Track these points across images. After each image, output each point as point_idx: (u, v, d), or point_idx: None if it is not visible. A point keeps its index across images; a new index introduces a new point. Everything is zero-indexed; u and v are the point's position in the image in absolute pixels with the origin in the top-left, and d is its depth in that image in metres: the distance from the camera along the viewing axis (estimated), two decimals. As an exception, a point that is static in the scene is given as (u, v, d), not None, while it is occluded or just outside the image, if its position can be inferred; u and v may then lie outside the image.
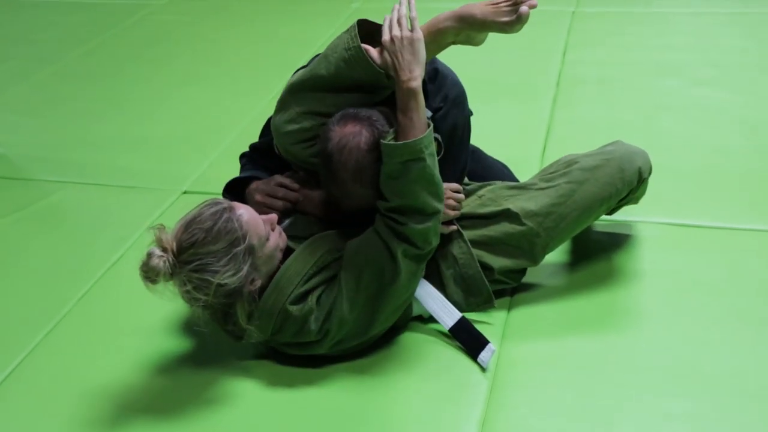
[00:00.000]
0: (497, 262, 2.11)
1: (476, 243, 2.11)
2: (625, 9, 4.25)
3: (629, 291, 2.21)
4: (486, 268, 2.10)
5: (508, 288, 2.19)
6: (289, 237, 2.01)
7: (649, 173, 2.21)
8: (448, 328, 2.03)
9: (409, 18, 1.89)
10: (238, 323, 1.86)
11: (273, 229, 1.92)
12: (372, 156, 1.86)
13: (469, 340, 2.01)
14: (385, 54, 1.87)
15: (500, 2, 1.93)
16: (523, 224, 2.09)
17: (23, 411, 1.96)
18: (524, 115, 3.20)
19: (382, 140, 1.85)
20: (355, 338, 1.96)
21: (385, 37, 1.88)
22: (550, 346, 2.04)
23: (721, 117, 3.09)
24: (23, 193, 2.92)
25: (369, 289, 1.91)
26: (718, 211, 2.52)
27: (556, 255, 2.28)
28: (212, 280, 1.77)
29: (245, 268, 1.81)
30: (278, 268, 1.93)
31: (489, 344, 1.99)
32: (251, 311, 1.87)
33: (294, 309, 1.88)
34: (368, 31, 1.94)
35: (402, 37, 1.86)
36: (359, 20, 1.92)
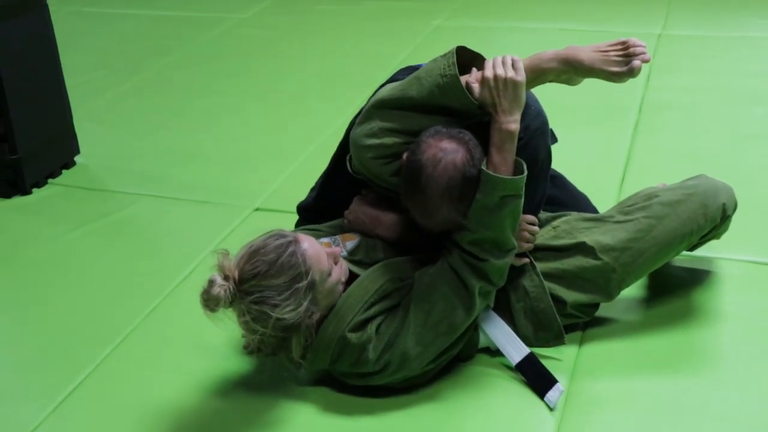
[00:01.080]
0: (570, 296, 2.04)
1: (549, 276, 2.05)
2: (715, 33, 4.13)
3: (708, 331, 2.11)
4: (558, 301, 2.04)
5: (580, 323, 2.12)
6: (352, 261, 1.98)
7: (734, 210, 2.12)
8: (515, 364, 1.97)
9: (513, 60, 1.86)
10: (294, 354, 1.84)
11: (336, 263, 1.89)
12: (464, 177, 1.81)
13: (536, 378, 1.95)
14: (485, 90, 1.84)
15: (610, 51, 1.88)
16: (598, 258, 2.02)
17: (83, 428, 1.96)
18: (604, 142, 3.11)
19: (484, 169, 1.82)
20: (415, 371, 1.92)
21: (488, 73, 1.83)
22: (621, 386, 1.96)
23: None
24: (99, 204, 2.96)
25: (438, 326, 1.87)
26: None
27: (632, 290, 2.20)
28: (271, 313, 1.75)
29: (305, 304, 1.78)
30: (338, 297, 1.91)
31: (557, 383, 1.92)
32: (307, 344, 1.85)
33: (353, 337, 1.85)
34: (466, 58, 1.90)
35: (506, 79, 1.82)
36: (458, 47, 1.88)
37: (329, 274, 1.85)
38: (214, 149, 3.30)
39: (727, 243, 2.31)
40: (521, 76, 1.83)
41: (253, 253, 1.79)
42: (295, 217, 2.38)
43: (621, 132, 3.16)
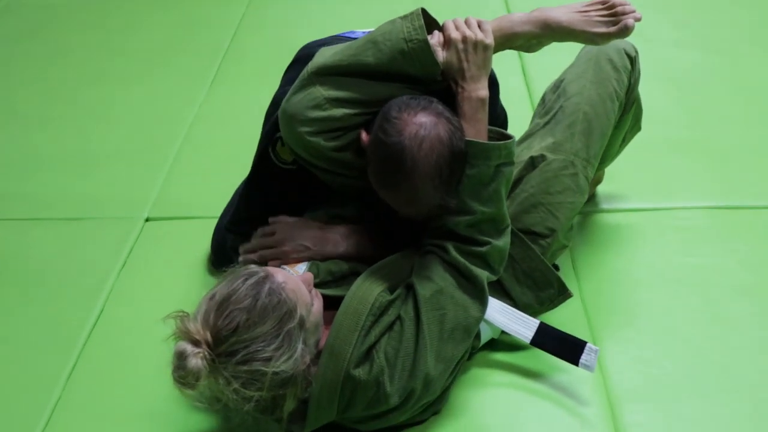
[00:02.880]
0: (551, 221, 1.89)
1: (521, 215, 1.89)
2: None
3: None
4: (542, 236, 1.89)
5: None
6: (316, 285, 1.70)
7: (636, 52, 2.04)
8: (529, 341, 1.79)
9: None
10: (284, 412, 1.55)
11: (310, 290, 1.61)
12: (452, 152, 1.60)
13: (560, 346, 1.78)
14: (452, 54, 1.65)
15: (590, 10, 1.73)
16: (551, 161, 1.90)
17: None
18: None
19: (475, 139, 1.63)
20: (437, 393, 1.69)
21: (455, 35, 1.66)
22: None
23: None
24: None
25: (454, 334, 1.65)
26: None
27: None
28: (265, 369, 1.45)
29: (299, 347, 1.49)
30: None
31: (587, 344, 1.76)
32: (304, 396, 1.56)
33: (360, 373, 1.57)
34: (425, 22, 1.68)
35: (476, 41, 1.65)
36: (421, 9, 1.67)
37: (312, 304, 1.57)
38: (60, 152, 2.79)
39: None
40: (490, 39, 1.67)
41: (222, 304, 1.46)
42: (197, 222, 2.17)
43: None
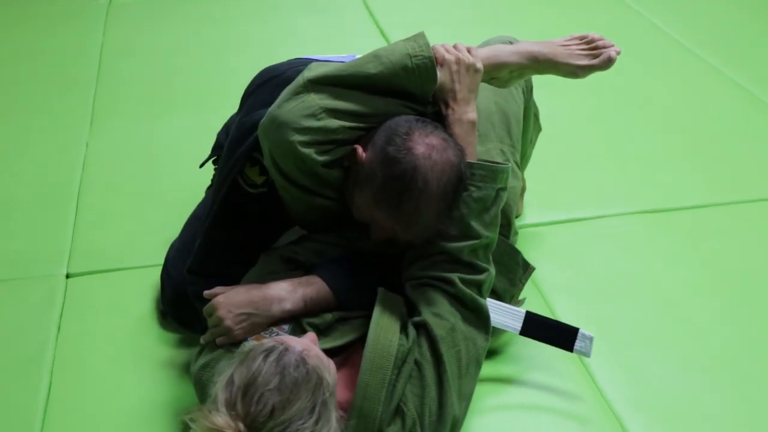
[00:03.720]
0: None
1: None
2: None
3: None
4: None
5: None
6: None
7: None
8: (519, 332, 1.78)
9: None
10: None
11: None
12: (459, 176, 1.58)
13: (553, 334, 1.79)
14: (445, 74, 1.66)
15: (570, 45, 1.79)
16: (482, 153, 1.87)
17: None
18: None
19: (484, 162, 1.62)
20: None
21: (449, 57, 1.67)
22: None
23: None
24: None
25: (469, 369, 1.59)
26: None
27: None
28: None
29: (333, 415, 1.38)
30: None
31: (580, 330, 1.78)
32: None
33: (394, 431, 1.49)
34: None
35: (468, 64, 1.66)
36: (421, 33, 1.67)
37: (329, 366, 1.45)
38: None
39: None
40: (480, 64, 1.69)
41: (248, 389, 1.32)
42: (124, 274, 2.07)
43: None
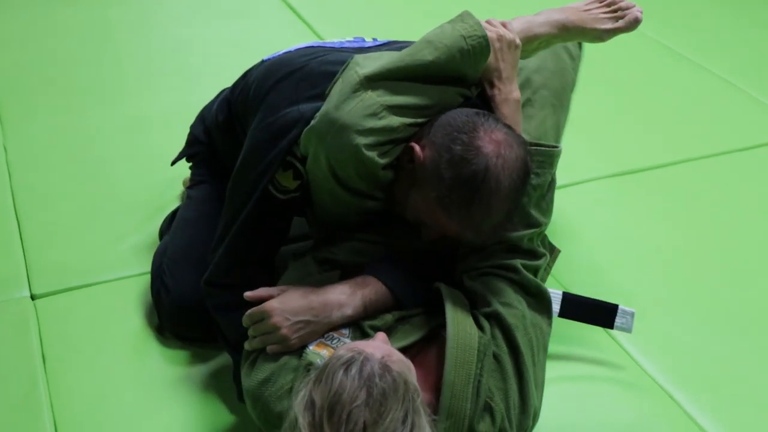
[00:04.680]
0: None
1: None
2: None
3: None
4: None
5: None
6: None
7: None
8: (558, 315, 1.77)
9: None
10: None
11: None
12: (527, 170, 1.52)
13: (592, 313, 1.79)
14: (491, 54, 1.58)
15: (592, 9, 1.76)
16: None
17: None
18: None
19: (545, 146, 1.59)
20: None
21: (491, 33, 1.58)
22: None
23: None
24: None
25: (540, 356, 1.55)
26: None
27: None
28: None
29: (424, 417, 1.30)
30: None
31: (619, 307, 1.78)
32: None
33: (484, 427, 1.44)
34: None
35: (509, 41, 1.60)
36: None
37: (411, 367, 1.39)
38: None
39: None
40: (518, 40, 1.64)
41: (333, 409, 1.22)
42: (94, 290, 1.92)
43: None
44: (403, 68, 1.50)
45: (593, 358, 1.87)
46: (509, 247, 1.58)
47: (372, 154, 1.47)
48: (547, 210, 1.61)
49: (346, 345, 1.38)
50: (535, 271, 1.59)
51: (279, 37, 2.99)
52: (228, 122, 1.91)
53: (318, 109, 1.52)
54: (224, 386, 1.76)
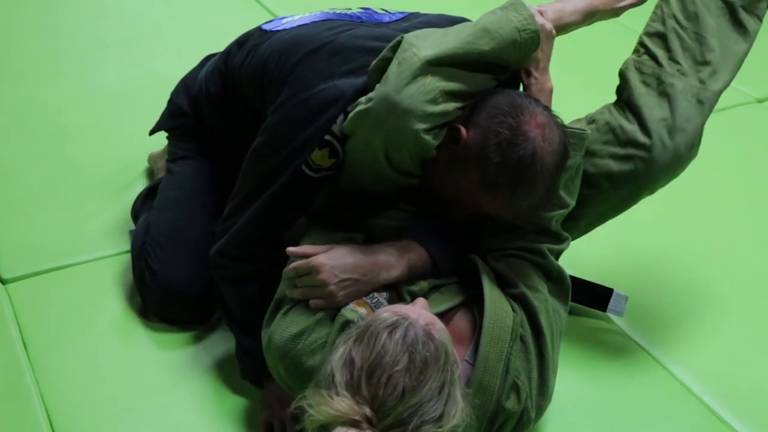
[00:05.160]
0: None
1: None
2: None
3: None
4: None
5: None
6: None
7: None
8: None
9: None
10: None
11: None
12: (566, 155, 1.54)
13: (586, 295, 1.84)
14: None
15: None
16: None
17: None
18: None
19: (578, 128, 1.61)
20: None
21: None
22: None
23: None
24: None
25: (557, 341, 1.57)
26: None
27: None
28: (440, 431, 1.25)
29: (459, 391, 1.30)
30: None
31: (614, 291, 1.84)
32: None
33: (511, 404, 1.47)
34: None
35: (548, 32, 1.62)
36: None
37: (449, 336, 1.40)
38: None
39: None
40: (554, 30, 1.65)
41: (373, 371, 1.22)
42: (69, 272, 1.87)
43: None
44: (461, 55, 1.50)
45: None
46: (537, 228, 1.60)
47: (428, 138, 1.48)
48: (574, 192, 1.64)
49: (390, 307, 1.37)
50: (557, 255, 1.63)
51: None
52: (222, 94, 1.84)
53: (357, 86, 1.52)
54: (219, 365, 1.76)
